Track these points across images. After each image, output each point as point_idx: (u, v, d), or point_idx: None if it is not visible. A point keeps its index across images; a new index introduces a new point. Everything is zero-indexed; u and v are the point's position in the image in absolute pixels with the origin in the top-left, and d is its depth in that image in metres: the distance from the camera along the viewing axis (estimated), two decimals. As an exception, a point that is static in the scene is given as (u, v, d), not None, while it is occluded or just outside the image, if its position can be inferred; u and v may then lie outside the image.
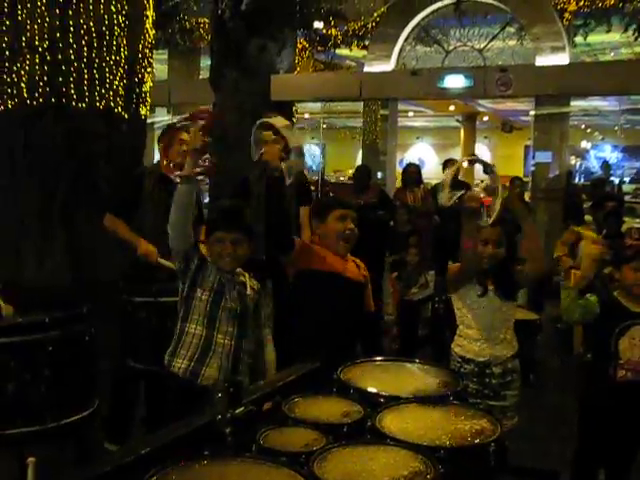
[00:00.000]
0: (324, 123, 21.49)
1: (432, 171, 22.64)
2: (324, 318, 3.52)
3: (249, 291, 3.25)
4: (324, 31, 17.28)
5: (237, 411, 2.21)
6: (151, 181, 4.46)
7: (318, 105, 19.17)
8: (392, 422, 2.36)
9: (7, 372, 3.08)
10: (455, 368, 3.47)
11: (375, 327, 3.98)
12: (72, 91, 5.77)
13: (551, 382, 6.11)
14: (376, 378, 2.84)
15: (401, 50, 14.30)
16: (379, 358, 3.14)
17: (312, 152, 28.44)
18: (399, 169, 15.51)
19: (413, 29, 14.32)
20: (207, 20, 15.79)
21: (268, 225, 3.50)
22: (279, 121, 4.53)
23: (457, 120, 26.32)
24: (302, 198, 4.83)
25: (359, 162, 16.72)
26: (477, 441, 2.28)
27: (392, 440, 2.21)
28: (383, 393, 2.63)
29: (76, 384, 3.35)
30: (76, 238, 5.66)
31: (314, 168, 23.98)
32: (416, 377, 2.93)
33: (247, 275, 3.31)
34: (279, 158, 3.83)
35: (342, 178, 25.66)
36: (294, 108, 13.35)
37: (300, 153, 4.51)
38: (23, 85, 5.77)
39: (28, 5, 5.67)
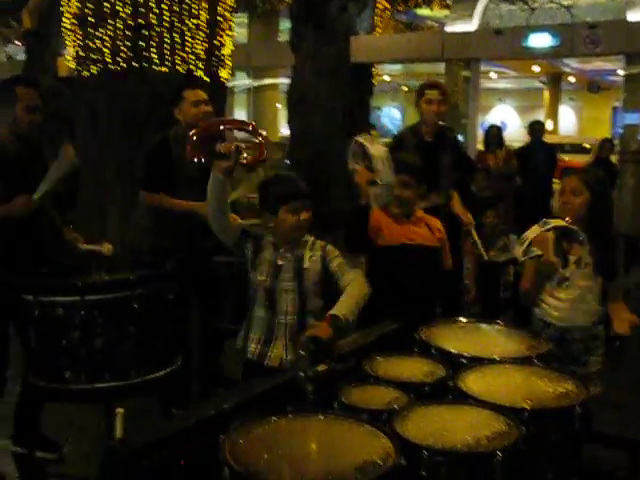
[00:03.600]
0: (404, 85, 21.25)
1: (514, 134, 22.16)
2: (401, 286, 3.53)
3: (307, 264, 3.09)
4: (405, -9, 17.00)
5: (319, 368, 2.22)
6: (178, 147, 4.03)
7: (398, 67, 18.95)
8: (474, 383, 2.33)
9: (95, 328, 3.16)
10: (536, 331, 3.37)
11: (453, 287, 3.92)
12: (154, 55, 5.85)
13: (637, 349, 5.93)
14: (457, 339, 2.81)
15: (484, 9, 13.93)
16: (459, 319, 3.09)
17: (392, 115, 28.20)
18: (481, 132, 15.28)
19: (497, -14, 13.95)
20: (286, -18, 15.74)
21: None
22: (377, 150, 3.81)
23: (541, 81, 25.61)
24: None
25: (439, 125, 16.47)
26: (562, 404, 2.23)
27: (475, 400, 2.19)
28: (465, 354, 2.59)
29: (160, 341, 3.41)
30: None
31: (393, 131, 23.81)
32: (498, 339, 2.89)
33: (310, 241, 3.15)
34: (367, 181, 3.58)
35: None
36: (374, 70, 13.21)
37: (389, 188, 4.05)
38: (106, 50, 5.88)
39: (111, -29, 5.76)
